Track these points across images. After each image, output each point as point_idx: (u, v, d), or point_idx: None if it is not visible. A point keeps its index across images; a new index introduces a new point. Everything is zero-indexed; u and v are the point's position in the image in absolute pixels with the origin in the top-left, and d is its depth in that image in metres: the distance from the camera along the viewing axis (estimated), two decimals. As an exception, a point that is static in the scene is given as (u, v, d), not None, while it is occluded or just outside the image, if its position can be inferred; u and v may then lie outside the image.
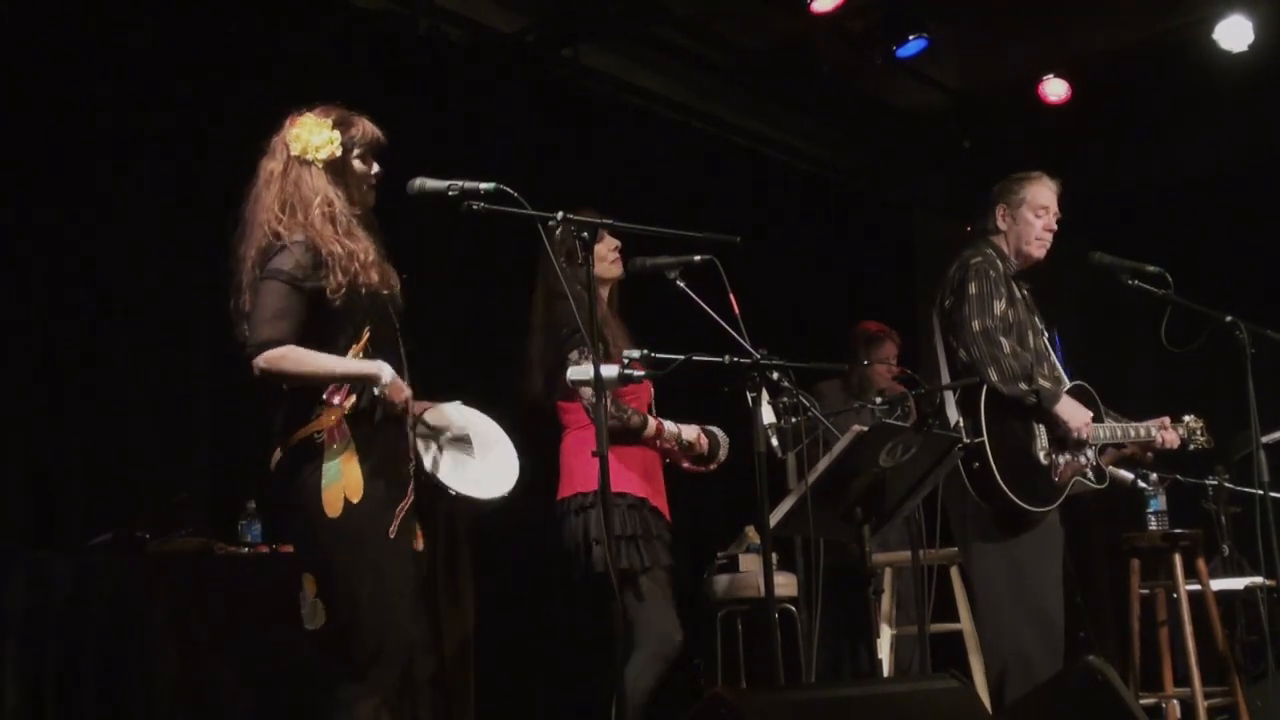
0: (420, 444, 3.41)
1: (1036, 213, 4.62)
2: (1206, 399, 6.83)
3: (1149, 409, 4.96)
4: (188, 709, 4.18)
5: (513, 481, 3.52)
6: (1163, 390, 7.33)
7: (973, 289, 4.43)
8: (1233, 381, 4.54)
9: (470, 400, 3.64)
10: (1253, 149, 7.57)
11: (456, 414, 3.55)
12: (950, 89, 7.60)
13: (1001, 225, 4.63)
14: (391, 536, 3.30)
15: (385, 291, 3.40)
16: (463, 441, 3.50)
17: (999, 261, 4.54)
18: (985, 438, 4.30)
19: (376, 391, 3.29)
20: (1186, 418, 4.85)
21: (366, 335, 3.35)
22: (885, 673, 5.00)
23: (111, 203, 4.85)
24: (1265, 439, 4.69)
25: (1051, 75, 7.36)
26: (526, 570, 5.80)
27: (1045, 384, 4.41)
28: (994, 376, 4.33)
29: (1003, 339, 4.38)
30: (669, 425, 4.34)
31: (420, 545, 3.46)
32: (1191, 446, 4.85)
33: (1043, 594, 4.44)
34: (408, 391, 3.35)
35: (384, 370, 3.30)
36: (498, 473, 3.52)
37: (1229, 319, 4.51)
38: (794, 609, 5.50)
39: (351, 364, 3.32)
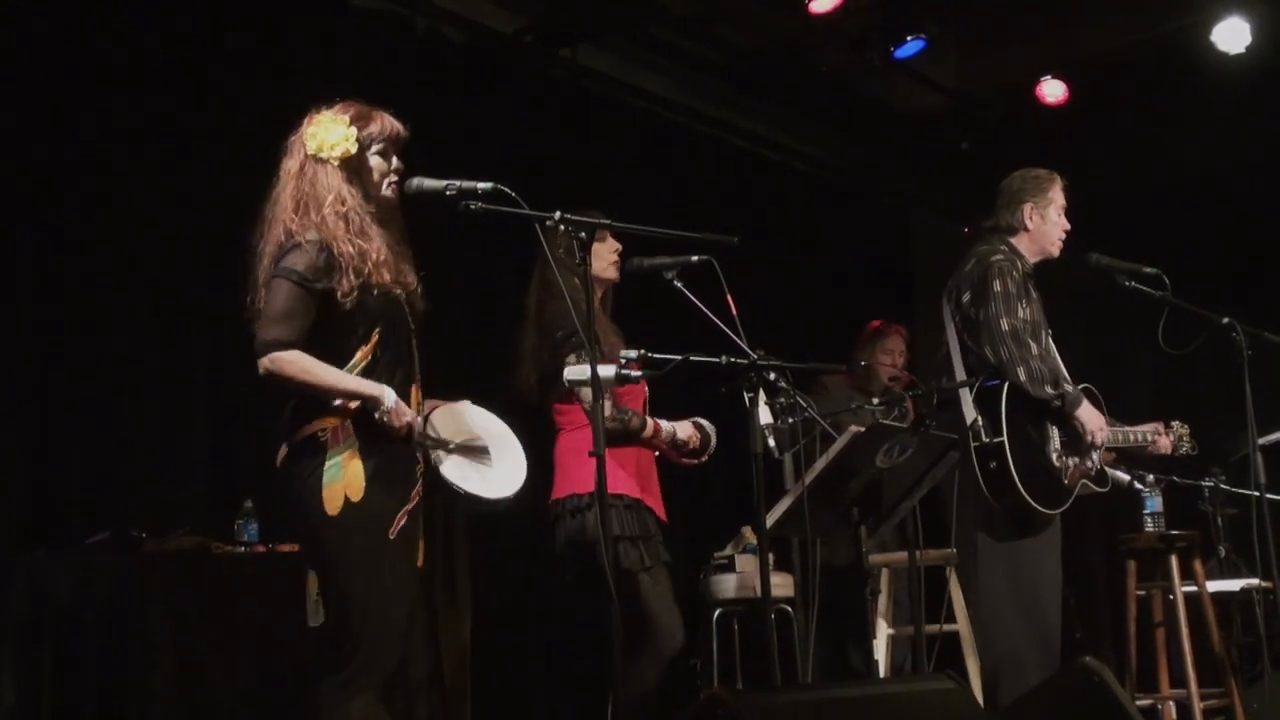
0: (429, 443, 3.40)
1: (1059, 212, 4.64)
2: (1203, 400, 6.86)
3: (1146, 411, 4.96)
4: (185, 708, 4.19)
5: (520, 481, 3.50)
6: (1159, 392, 7.34)
7: (997, 287, 4.42)
8: (1229, 383, 4.55)
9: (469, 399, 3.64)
10: (1250, 150, 7.58)
11: (466, 413, 3.54)
12: (948, 90, 7.60)
13: (1029, 224, 4.62)
14: (391, 537, 3.30)
15: (397, 291, 3.39)
16: (472, 441, 3.48)
17: (1018, 260, 4.54)
18: (1005, 437, 4.30)
19: (376, 415, 3.28)
20: (1175, 423, 4.86)
21: (376, 337, 3.35)
22: (881, 673, 5.00)
23: (110, 201, 4.85)
24: (1262, 440, 4.69)
25: (1049, 76, 7.37)
26: (523, 570, 5.81)
27: (1069, 388, 4.41)
28: (1022, 377, 4.33)
29: (1030, 340, 4.38)
30: (665, 425, 4.34)
31: (421, 546, 3.46)
32: (1180, 452, 4.87)
33: (1040, 594, 4.46)
34: (409, 417, 3.33)
35: (386, 395, 3.29)
36: (506, 473, 3.50)
37: (1226, 320, 4.51)
38: (790, 609, 5.51)
39: (355, 382, 3.30)
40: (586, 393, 4.14)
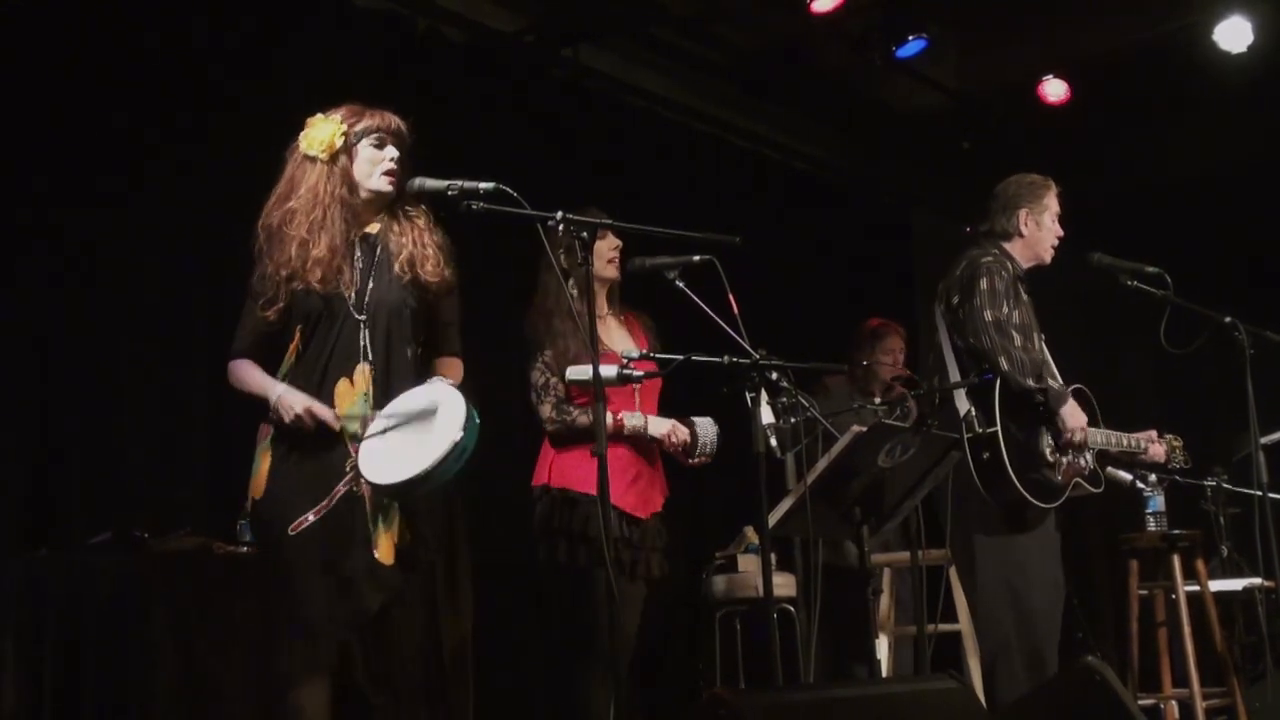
0: (372, 438, 3.32)
1: (1054, 219, 4.66)
2: (1205, 400, 6.86)
3: (1147, 411, 4.97)
4: (186, 709, 4.18)
5: (425, 463, 3.21)
6: (1161, 392, 7.35)
7: (984, 284, 4.45)
8: (1231, 383, 4.54)
9: (475, 394, 3.58)
10: (1252, 150, 7.57)
11: (407, 397, 3.39)
12: (949, 90, 7.59)
13: (1024, 229, 4.64)
14: (292, 533, 3.28)
15: (326, 290, 3.38)
16: (399, 424, 3.32)
17: (1008, 263, 4.55)
18: (998, 428, 4.30)
19: (270, 415, 3.37)
20: (1168, 435, 4.86)
21: (299, 335, 3.42)
22: (884, 673, 4.99)
23: (111, 202, 4.84)
24: (1264, 440, 4.69)
25: (1051, 76, 7.36)
26: (523, 570, 5.79)
27: (1054, 384, 4.42)
28: (1004, 366, 4.35)
29: (1014, 333, 4.40)
30: (631, 420, 4.31)
31: (388, 542, 3.35)
32: (1173, 464, 4.87)
33: (1032, 591, 4.46)
34: (298, 408, 3.30)
35: (270, 393, 3.37)
36: (416, 454, 3.25)
37: (1228, 319, 4.52)
38: (792, 609, 5.50)
39: (258, 383, 3.42)
40: (532, 397, 4.26)
